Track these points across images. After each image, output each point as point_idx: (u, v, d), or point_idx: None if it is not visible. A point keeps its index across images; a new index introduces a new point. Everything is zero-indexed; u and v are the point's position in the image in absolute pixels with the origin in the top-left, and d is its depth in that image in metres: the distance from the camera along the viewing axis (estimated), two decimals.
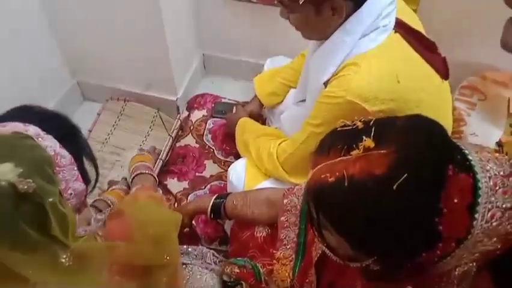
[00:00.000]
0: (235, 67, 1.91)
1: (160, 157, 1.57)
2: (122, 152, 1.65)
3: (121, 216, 0.82)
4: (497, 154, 0.56)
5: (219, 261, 1.20)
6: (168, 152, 1.64)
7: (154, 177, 1.38)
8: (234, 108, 1.71)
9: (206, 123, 1.77)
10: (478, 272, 0.58)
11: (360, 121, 0.61)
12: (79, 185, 0.76)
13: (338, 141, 0.60)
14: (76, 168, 0.75)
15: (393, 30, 0.99)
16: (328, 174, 0.57)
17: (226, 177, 1.45)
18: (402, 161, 0.52)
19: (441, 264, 0.56)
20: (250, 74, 1.79)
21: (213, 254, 1.19)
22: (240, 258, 1.13)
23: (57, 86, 1.73)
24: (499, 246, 0.54)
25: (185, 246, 1.26)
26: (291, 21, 1.02)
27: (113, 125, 1.73)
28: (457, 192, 0.51)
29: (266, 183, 1.23)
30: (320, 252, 0.86)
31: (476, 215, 0.52)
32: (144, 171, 1.35)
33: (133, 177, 1.34)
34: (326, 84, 1.03)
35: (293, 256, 1.00)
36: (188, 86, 1.81)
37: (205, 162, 1.65)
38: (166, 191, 1.54)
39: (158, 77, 1.68)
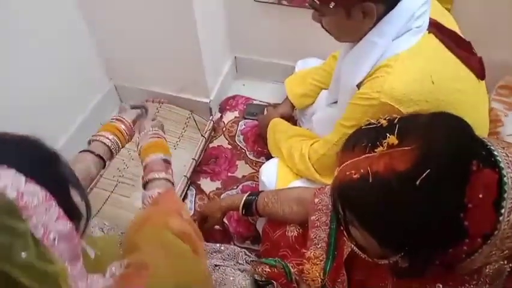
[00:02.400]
0: (266, 69, 1.93)
1: (193, 157, 1.60)
2: None
3: (144, 270, 0.67)
4: None
5: (250, 261, 1.21)
6: (201, 153, 1.67)
7: (172, 183, 1.07)
8: (265, 109, 1.73)
9: (238, 125, 1.80)
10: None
11: (384, 119, 0.62)
12: (64, 225, 0.57)
13: (362, 138, 0.61)
14: (55, 205, 0.56)
15: (427, 31, 0.98)
16: (353, 171, 0.58)
17: (257, 177, 1.47)
18: (424, 158, 0.53)
19: (470, 261, 0.56)
20: (281, 76, 1.81)
21: (245, 253, 1.21)
22: (271, 258, 1.14)
23: (95, 90, 1.80)
24: None
25: (218, 245, 1.29)
26: (323, 25, 1.03)
27: None
28: (482, 188, 0.51)
29: (297, 183, 1.24)
30: (350, 250, 0.86)
31: (502, 210, 0.51)
32: (160, 177, 1.01)
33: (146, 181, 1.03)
34: (359, 86, 1.03)
35: (324, 256, 1.00)
36: (220, 88, 1.85)
37: (237, 162, 1.67)
38: (200, 190, 1.58)
39: (192, 79, 1.72)
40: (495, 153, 0.54)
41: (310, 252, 1.05)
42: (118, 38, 1.65)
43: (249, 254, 1.24)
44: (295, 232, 1.12)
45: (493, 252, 0.55)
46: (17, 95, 1.37)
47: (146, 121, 1.17)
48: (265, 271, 1.12)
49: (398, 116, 0.62)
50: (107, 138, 1.07)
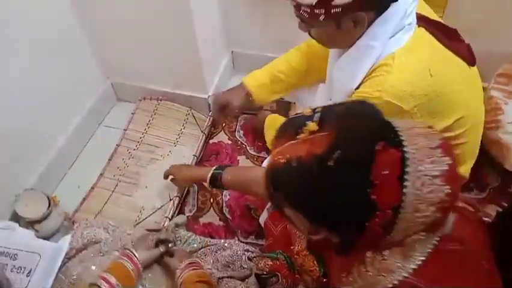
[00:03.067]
0: (264, 64, 1.91)
1: (194, 153, 1.60)
2: (157, 149, 1.70)
3: None
4: (430, 129, 0.63)
5: (253, 257, 1.22)
6: (202, 149, 1.67)
7: None
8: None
9: (237, 120, 1.79)
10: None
11: (309, 109, 0.70)
12: None
13: (289, 127, 0.68)
14: None
15: (417, 25, 0.98)
16: (280, 157, 0.65)
17: None
18: (337, 141, 0.60)
19: (390, 237, 0.61)
20: None
21: (248, 254, 1.21)
22: (273, 252, 1.15)
23: (92, 88, 1.79)
24: (439, 216, 0.59)
25: (222, 241, 1.29)
26: (312, 35, 1.02)
27: (147, 124, 1.77)
28: (386, 165, 0.57)
29: None
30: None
31: (406, 183, 0.57)
32: None
33: None
34: (358, 87, 1.03)
35: None
36: (218, 84, 1.83)
37: (238, 158, 1.67)
38: (201, 186, 1.57)
39: (189, 75, 1.71)
40: (400, 133, 0.59)
41: (297, 246, 1.08)
42: (114, 34, 1.63)
43: (252, 250, 1.25)
44: None
45: (410, 225, 0.60)
46: (15, 96, 1.37)
47: (172, 261, 1.14)
48: (268, 264, 1.13)
49: (320, 106, 0.69)
50: (110, 283, 1.00)
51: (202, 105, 1.79)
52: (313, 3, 0.87)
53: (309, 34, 1.02)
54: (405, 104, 0.93)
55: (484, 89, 1.51)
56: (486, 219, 1.36)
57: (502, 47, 1.50)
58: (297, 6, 0.93)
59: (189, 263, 1.07)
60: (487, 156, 1.51)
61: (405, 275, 0.63)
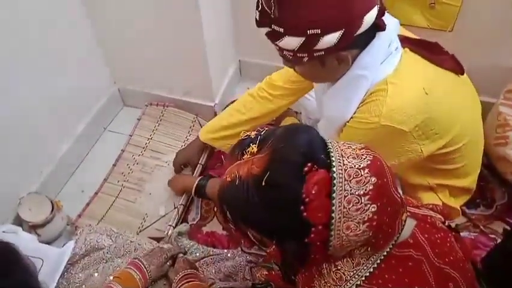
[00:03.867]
0: (271, 73, 1.91)
1: (200, 162, 1.59)
2: (162, 156, 1.69)
3: None
4: (363, 151, 0.67)
5: (251, 268, 1.22)
6: (207, 157, 1.66)
7: None
8: None
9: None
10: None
11: (254, 131, 0.74)
12: None
13: (236, 148, 0.72)
14: None
15: (402, 48, 0.99)
16: (227, 176, 0.70)
17: None
18: (270, 162, 0.64)
19: (331, 251, 0.66)
20: None
21: (250, 265, 1.20)
22: (268, 262, 1.16)
23: (99, 93, 1.79)
24: (370, 234, 0.64)
25: (225, 251, 1.29)
26: (297, 71, 1.02)
27: (153, 130, 1.77)
28: (315, 185, 0.61)
29: None
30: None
31: (333, 201, 0.62)
32: None
33: None
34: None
35: None
36: (225, 91, 1.84)
37: None
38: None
39: (196, 83, 1.71)
40: (331, 155, 0.65)
41: None
42: (122, 41, 1.64)
43: (256, 261, 1.24)
44: None
45: (345, 243, 0.64)
46: (23, 99, 1.37)
47: (170, 272, 1.16)
48: (263, 274, 1.14)
49: (265, 128, 0.74)
50: None
51: (208, 112, 1.79)
52: (295, 49, 0.87)
53: (294, 70, 1.02)
54: (406, 126, 0.94)
55: (492, 104, 1.51)
56: (492, 236, 1.36)
57: (510, 62, 1.49)
58: (280, 50, 0.92)
59: (184, 275, 1.07)
60: (494, 173, 1.50)
61: (359, 282, 0.68)
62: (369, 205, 0.62)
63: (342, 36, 0.84)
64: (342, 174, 0.63)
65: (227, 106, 1.86)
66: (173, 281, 1.08)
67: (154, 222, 1.48)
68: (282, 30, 0.85)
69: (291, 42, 0.86)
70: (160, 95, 1.82)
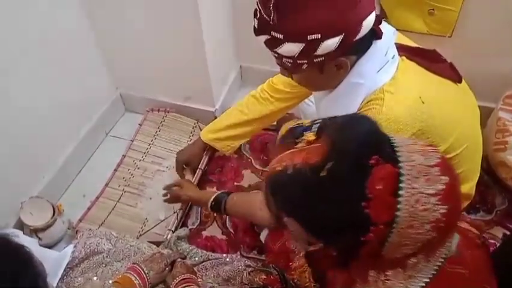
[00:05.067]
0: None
1: (199, 166, 1.60)
2: (163, 161, 1.70)
3: None
4: (429, 147, 0.62)
5: (250, 271, 1.22)
6: (207, 162, 1.67)
7: None
8: None
9: None
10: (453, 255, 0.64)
11: (308, 121, 0.71)
12: None
13: (289, 136, 0.69)
14: None
15: (399, 56, 0.99)
16: (278, 165, 0.66)
17: None
18: (331, 151, 0.60)
19: (386, 251, 0.61)
20: None
21: (248, 270, 1.20)
22: (267, 266, 1.16)
23: (101, 98, 1.81)
24: (434, 235, 0.58)
25: (224, 255, 1.29)
26: (294, 80, 1.02)
27: (154, 135, 1.78)
28: (380, 180, 0.57)
29: None
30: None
31: (400, 199, 0.57)
32: None
33: None
34: None
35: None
36: (226, 97, 1.85)
37: (243, 172, 1.67)
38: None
39: (197, 89, 1.73)
40: (397, 149, 0.60)
41: (296, 263, 1.07)
42: (124, 47, 1.66)
43: (254, 266, 1.24)
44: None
45: (405, 243, 0.59)
46: (25, 104, 1.39)
47: (167, 277, 1.15)
48: (262, 278, 1.14)
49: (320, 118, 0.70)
50: None
51: (209, 118, 1.79)
52: (295, 55, 0.87)
53: (291, 78, 1.02)
54: (402, 135, 0.93)
55: (492, 110, 1.51)
56: (492, 241, 1.36)
57: (510, 68, 1.50)
58: (278, 58, 0.92)
59: (182, 279, 1.07)
60: (494, 178, 1.50)
61: None
62: (438, 206, 0.57)
63: (341, 41, 0.84)
64: (410, 170, 0.58)
65: None
66: (171, 286, 1.08)
67: (153, 227, 1.48)
68: (281, 36, 0.85)
69: (291, 48, 0.86)
70: (161, 101, 1.83)
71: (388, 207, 0.57)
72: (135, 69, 1.75)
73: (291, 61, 0.89)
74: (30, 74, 1.38)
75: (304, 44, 0.84)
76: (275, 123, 1.60)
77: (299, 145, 0.65)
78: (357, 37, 0.86)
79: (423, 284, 0.63)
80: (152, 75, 1.75)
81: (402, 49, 1.01)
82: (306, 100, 1.44)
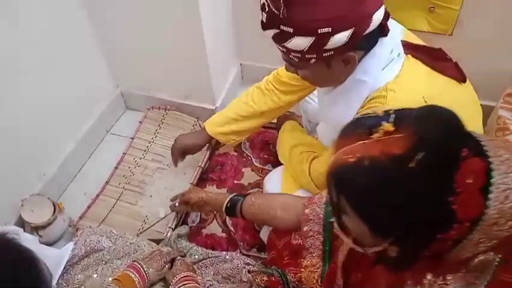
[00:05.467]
0: None
1: (199, 164, 1.60)
2: (163, 159, 1.70)
3: None
4: (508, 143, 0.59)
5: (252, 271, 1.22)
6: (207, 160, 1.67)
7: None
8: None
9: None
10: (505, 264, 0.59)
11: (380, 111, 0.66)
12: None
13: (359, 126, 0.64)
14: None
15: (405, 54, 0.98)
16: (349, 156, 0.60)
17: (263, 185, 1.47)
18: (420, 142, 0.55)
19: (458, 249, 0.58)
20: None
21: (248, 268, 1.20)
22: (268, 267, 1.15)
23: (102, 96, 1.81)
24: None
25: (224, 253, 1.29)
26: (300, 75, 1.01)
27: (155, 133, 1.79)
28: (470, 174, 0.54)
29: (301, 193, 1.23)
30: (346, 253, 0.87)
31: (490, 195, 0.53)
32: None
33: None
34: None
35: (320, 263, 1.01)
36: (226, 95, 1.85)
37: (243, 170, 1.67)
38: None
39: (198, 86, 1.73)
40: (483, 143, 0.57)
41: (307, 261, 1.06)
42: (125, 45, 1.66)
43: (253, 264, 1.24)
44: (300, 240, 1.12)
45: (481, 240, 0.56)
46: (26, 102, 1.39)
47: (167, 274, 1.14)
48: (263, 280, 1.13)
49: (394, 108, 0.65)
50: None
51: (209, 116, 1.78)
52: (304, 49, 0.86)
53: (297, 74, 1.01)
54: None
55: (492, 108, 1.51)
56: None
57: (510, 66, 1.49)
58: (286, 53, 0.91)
59: (182, 277, 1.07)
60: None
61: None
62: None
63: (351, 35, 0.83)
64: (500, 165, 0.55)
65: None
66: (171, 283, 1.08)
67: (153, 224, 1.49)
68: (291, 30, 0.84)
69: (300, 42, 0.85)
70: (162, 98, 1.83)
71: (476, 204, 0.54)
72: (136, 67, 1.75)
73: (299, 55, 0.88)
74: (30, 72, 1.38)
75: (314, 38, 0.83)
76: (275, 120, 1.60)
77: (375, 135, 0.60)
78: (367, 31, 0.85)
79: None
80: (152, 73, 1.75)
81: (408, 47, 1.00)
82: (306, 98, 1.44)
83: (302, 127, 1.54)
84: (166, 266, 1.15)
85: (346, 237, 0.70)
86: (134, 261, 1.12)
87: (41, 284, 0.62)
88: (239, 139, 1.48)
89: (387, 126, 0.59)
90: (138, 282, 1.07)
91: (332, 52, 0.86)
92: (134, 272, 1.08)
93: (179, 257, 1.18)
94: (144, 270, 1.10)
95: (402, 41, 0.99)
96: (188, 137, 1.52)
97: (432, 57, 1.02)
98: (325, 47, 0.85)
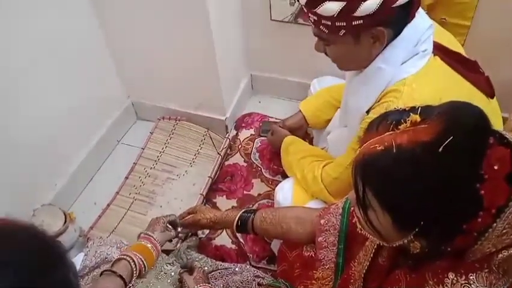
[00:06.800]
0: (282, 87, 1.93)
1: (209, 175, 1.61)
2: (174, 169, 1.71)
3: None
4: None
5: (257, 284, 1.21)
6: (217, 171, 1.67)
7: None
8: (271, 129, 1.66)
9: (254, 142, 1.80)
10: None
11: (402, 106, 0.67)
12: None
13: (386, 119, 0.65)
14: None
15: (433, 54, 0.97)
16: (377, 145, 0.61)
17: (273, 196, 1.46)
18: (448, 129, 0.56)
19: (482, 242, 0.58)
20: (297, 93, 1.82)
21: (258, 280, 1.19)
22: (277, 280, 1.14)
23: (113, 106, 1.83)
24: None
25: (233, 265, 1.28)
26: (328, 54, 1.02)
27: (165, 143, 1.80)
28: (497, 161, 0.55)
29: (312, 204, 1.23)
30: (368, 264, 0.87)
31: None
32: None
33: None
34: (368, 111, 1.02)
35: (332, 276, 1.00)
36: (236, 105, 1.86)
37: (253, 181, 1.67)
38: (215, 208, 1.57)
39: (208, 97, 1.74)
40: (506, 136, 0.58)
41: (319, 273, 1.05)
42: (136, 56, 1.68)
43: (263, 276, 1.24)
44: (312, 252, 1.11)
45: (505, 231, 0.56)
46: (37, 112, 1.41)
47: (188, 278, 1.13)
48: None
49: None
50: (133, 259, 1.05)
51: (219, 126, 1.81)
52: (335, 15, 0.87)
53: (325, 53, 1.02)
54: None
55: (505, 120, 1.49)
56: None
57: None
58: (317, 22, 0.93)
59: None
60: None
61: None
62: None
63: (381, 4, 0.84)
64: None
65: (239, 120, 1.88)
66: None
67: None
68: None
69: (331, 7, 0.86)
70: (172, 109, 1.85)
71: (502, 191, 0.55)
72: (146, 78, 1.77)
73: (329, 23, 0.90)
74: (41, 82, 1.40)
75: (345, 3, 0.85)
76: None
77: (402, 126, 0.61)
78: (396, 4, 0.85)
79: None
80: (163, 83, 1.76)
81: (439, 49, 0.99)
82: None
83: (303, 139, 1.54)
84: (172, 232, 1.20)
85: (372, 234, 0.70)
86: (142, 232, 1.16)
87: (71, 275, 0.60)
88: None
89: (415, 117, 0.60)
90: (152, 248, 1.10)
91: (362, 21, 0.87)
92: (146, 240, 1.12)
93: (199, 266, 1.18)
94: (151, 236, 1.13)
95: (434, 41, 0.98)
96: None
97: (465, 66, 1.02)
98: (355, 14, 0.86)
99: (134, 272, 1.04)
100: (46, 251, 0.58)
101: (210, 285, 1.10)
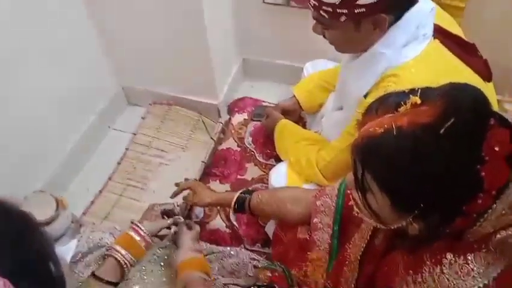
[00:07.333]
0: (275, 71, 1.92)
1: (202, 160, 1.60)
2: (166, 154, 1.70)
3: None
4: None
5: (254, 266, 1.21)
6: (210, 155, 1.67)
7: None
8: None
9: (246, 127, 1.79)
10: None
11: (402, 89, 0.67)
12: None
13: (385, 101, 0.64)
14: None
15: (433, 37, 0.97)
16: (376, 128, 0.60)
17: (267, 180, 1.46)
18: (449, 110, 0.56)
19: (481, 223, 0.58)
20: (289, 77, 1.80)
21: (254, 263, 1.20)
22: (272, 263, 1.15)
23: (103, 91, 1.80)
24: None
25: (228, 248, 1.29)
26: (326, 37, 1.01)
27: (157, 129, 1.78)
28: (497, 142, 0.55)
29: (306, 187, 1.23)
30: (364, 246, 0.87)
31: None
32: None
33: None
34: (365, 95, 1.02)
35: (326, 257, 1.01)
36: (228, 90, 1.84)
37: (247, 165, 1.67)
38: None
39: (200, 81, 1.72)
40: (506, 117, 0.58)
41: (314, 255, 1.06)
42: (126, 39, 1.65)
43: (259, 259, 1.24)
44: (307, 235, 1.12)
45: (504, 212, 0.57)
46: (27, 98, 1.38)
47: (184, 235, 1.16)
48: (267, 276, 1.13)
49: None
50: (120, 253, 1.05)
51: (212, 110, 1.79)
52: (337, 3, 0.86)
53: (324, 36, 1.01)
54: None
55: (499, 102, 1.49)
56: None
57: None
58: (317, 7, 0.91)
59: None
60: None
61: (486, 282, 0.59)
62: None
63: None
64: None
65: (232, 105, 1.87)
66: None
67: None
68: None
69: None
70: (164, 94, 1.82)
71: (503, 172, 0.55)
72: (137, 62, 1.74)
73: (331, 10, 0.88)
74: (31, 68, 1.37)
75: None
76: None
77: (402, 108, 0.61)
78: None
79: (502, 268, 0.60)
80: (154, 68, 1.74)
81: (439, 32, 0.99)
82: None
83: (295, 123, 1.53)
84: (168, 221, 1.19)
85: (369, 213, 0.70)
86: (131, 222, 1.14)
87: (46, 247, 0.59)
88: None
89: (415, 99, 0.60)
90: (139, 240, 1.09)
91: (364, 9, 0.86)
92: (133, 232, 1.10)
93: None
94: (138, 226, 1.11)
95: (435, 24, 0.97)
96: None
97: (464, 49, 1.01)
98: (358, 2, 0.85)
99: (126, 270, 1.05)
100: (17, 222, 0.56)
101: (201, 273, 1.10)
